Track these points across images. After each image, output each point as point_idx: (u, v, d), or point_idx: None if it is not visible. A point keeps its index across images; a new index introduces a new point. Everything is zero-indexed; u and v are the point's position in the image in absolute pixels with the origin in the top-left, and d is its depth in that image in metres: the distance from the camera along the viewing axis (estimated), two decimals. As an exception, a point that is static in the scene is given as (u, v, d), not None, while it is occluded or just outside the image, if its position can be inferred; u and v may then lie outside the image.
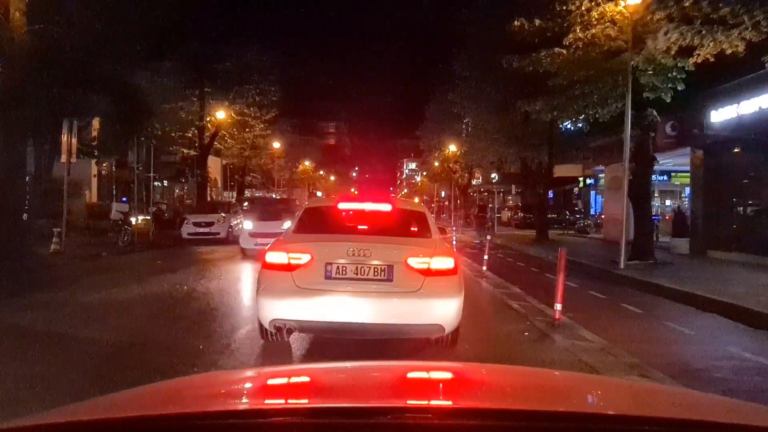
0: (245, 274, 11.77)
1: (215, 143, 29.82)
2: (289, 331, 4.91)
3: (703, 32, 10.72)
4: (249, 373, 2.28)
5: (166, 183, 33.60)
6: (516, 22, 13.77)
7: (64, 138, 14.42)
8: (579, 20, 12.48)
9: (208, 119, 27.61)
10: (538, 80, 14.73)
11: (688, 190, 20.97)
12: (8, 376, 4.51)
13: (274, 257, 4.95)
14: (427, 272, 4.82)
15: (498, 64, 16.65)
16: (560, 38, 13.02)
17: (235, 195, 37.80)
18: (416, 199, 51.99)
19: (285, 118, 37.46)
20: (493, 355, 5.57)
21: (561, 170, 29.18)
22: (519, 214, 38.67)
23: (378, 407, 1.31)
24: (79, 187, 21.68)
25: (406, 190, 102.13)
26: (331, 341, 5.73)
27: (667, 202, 25.63)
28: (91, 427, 1.27)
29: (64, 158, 14.49)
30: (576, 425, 1.26)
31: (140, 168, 23.06)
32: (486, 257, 12.41)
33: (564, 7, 12.46)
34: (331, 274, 4.80)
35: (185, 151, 30.34)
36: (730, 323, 7.71)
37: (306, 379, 1.95)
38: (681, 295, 9.51)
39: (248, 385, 1.79)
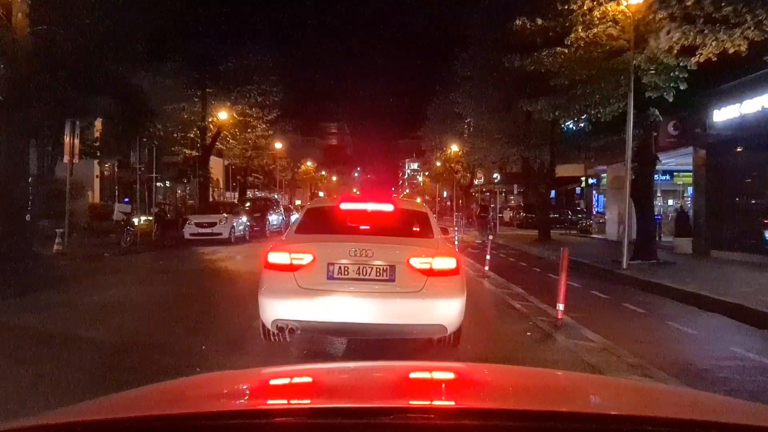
0: (247, 274, 11.77)
1: (217, 144, 29.86)
2: (292, 332, 4.90)
3: (706, 31, 10.69)
4: (251, 373, 2.28)
5: (168, 183, 33.64)
6: (518, 22, 13.76)
7: (67, 139, 14.45)
8: (581, 19, 12.47)
9: (210, 120, 27.65)
10: (540, 80, 14.71)
11: (690, 189, 20.90)
12: (11, 376, 4.52)
13: (276, 257, 4.94)
14: (430, 272, 4.82)
15: (500, 63, 16.67)
16: (562, 38, 13.00)
17: (237, 195, 37.85)
18: (418, 199, 51.98)
19: (287, 119, 37.49)
20: (496, 355, 5.57)
21: (563, 170, 29.12)
22: (521, 213, 38.63)
23: (380, 407, 1.31)
24: (81, 188, 21.71)
25: (408, 191, 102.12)
26: (334, 341, 5.73)
27: (670, 202, 25.55)
28: (94, 427, 1.27)
29: (66, 159, 14.53)
30: (579, 425, 1.26)
31: (142, 169, 23.10)
32: (488, 257, 12.39)
33: (566, 7, 12.44)
34: (333, 275, 4.80)
35: (187, 151, 30.37)
36: (734, 323, 7.69)
37: (308, 379, 1.95)
38: (684, 295, 9.48)
39: (251, 385, 1.79)
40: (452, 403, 1.60)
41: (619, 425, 1.28)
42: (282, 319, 4.82)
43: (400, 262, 4.81)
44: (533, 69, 14.18)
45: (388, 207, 5.66)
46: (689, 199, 21.46)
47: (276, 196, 41.18)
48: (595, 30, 12.52)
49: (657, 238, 16.23)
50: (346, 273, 4.80)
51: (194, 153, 30.50)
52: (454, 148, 37.97)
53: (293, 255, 4.87)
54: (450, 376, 1.94)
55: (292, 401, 1.64)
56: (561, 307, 6.71)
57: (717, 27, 10.51)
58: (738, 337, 7.00)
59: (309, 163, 60.07)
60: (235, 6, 26.71)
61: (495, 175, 36.75)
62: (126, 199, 25.34)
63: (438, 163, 48.13)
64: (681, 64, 11.98)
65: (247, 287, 9.08)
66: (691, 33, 10.88)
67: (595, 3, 12.27)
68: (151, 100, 18.68)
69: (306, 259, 4.83)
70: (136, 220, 19.96)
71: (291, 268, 4.83)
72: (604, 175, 26.22)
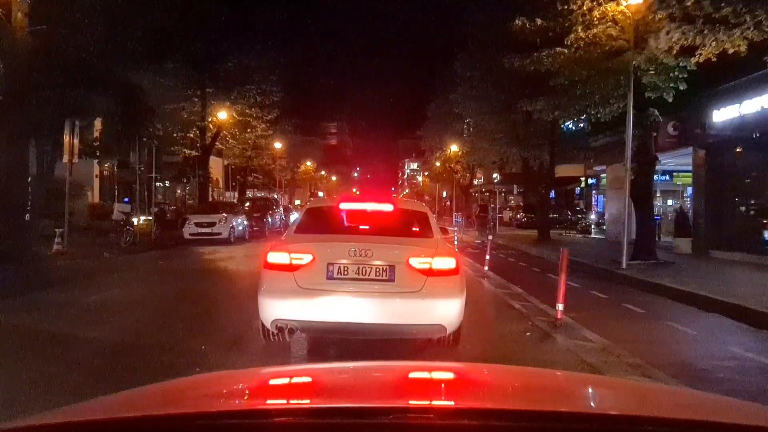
0: (247, 274, 11.77)
1: (217, 144, 29.84)
2: (291, 332, 4.91)
3: (705, 32, 10.70)
4: (250, 373, 2.28)
5: (168, 183, 33.65)
6: (517, 22, 13.77)
7: (66, 138, 14.44)
8: (580, 20, 12.47)
9: (209, 120, 27.63)
10: (540, 80, 14.72)
11: (690, 189, 20.92)
12: (10, 376, 4.52)
13: (276, 257, 4.94)
14: (429, 272, 4.82)
15: (499, 63, 16.68)
16: (562, 38, 13.01)
17: (236, 195, 37.85)
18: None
19: (286, 119, 37.45)
20: (495, 355, 5.57)
21: (563, 170, 29.15)
22: (521, 214, 38.63)
23: (380, 407, 1.31)
24: (81, 188, 21.71)
25: (407, 190, 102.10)
26: (333, 341, 5.74)
27: (669, 202, 25.57)
28: (94, 427, 1.27)
29: (66, 159, 14.52)
30: (578, 425, 1.26)
31: (142, 168, 23.11)
32: (488, 257, 12.39)
33: (565, 7, 12.45)
34: (332, 275, 4.80)
35: (187, 151, 30.35)
36: (733, 323, 7.69)
37: (308, 379, 1.95)
38: (683, 295, 9.49)
39: (250, 385, 1.79)
40: (452, 403, 1.60)
41: (619, 425, 1.28)
42: (281, 319, 4.82)
43: (399, 262, 4.81)
44: (533, 69, 14.18)
45: (387, 207, 5.66)
46: (689, 199, 21.48)
47: (276, 196, 41.18)
48: (595, 30, 12.52)
49: (656, 238, 16.24)
50: (345, 273, 4.80)
51: (194, 153, 30.48)
52: (454, 148, 37.95)
53: (293, 255, 4.87)
54: (449, 376, 1.94)
55: (291, 401, 1.64)
56: (560, 307, 6.71)
57: (716, 27, 10.51)
58: (737, 338, 7.00)
59: (309, 163, 60.05)
60: (235, 6, 26.60)
61: (495, 175, 36.75)
62: (126, 199, 25.33)
63: (438, 163, 48.10)
64: (680, 64, 11.99)
65: (246, 287, 9.09)
66: (691, 33, 10.89)
67: (594, 3, 12.27)
68: (150, 100, 18.67)
69: (305, 259, 4.83)
70: (135, 220, 19.96)
71: (291, 268, 4.83)
72: (604, 175, 26.25)
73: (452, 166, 42.36)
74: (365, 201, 5.99)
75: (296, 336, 5.29)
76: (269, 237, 20.65)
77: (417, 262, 4.83)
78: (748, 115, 14.31)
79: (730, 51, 10.72)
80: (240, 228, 21.43)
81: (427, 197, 66.65)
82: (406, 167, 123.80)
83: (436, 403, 1.53)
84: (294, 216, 25.60)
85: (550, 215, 27.45)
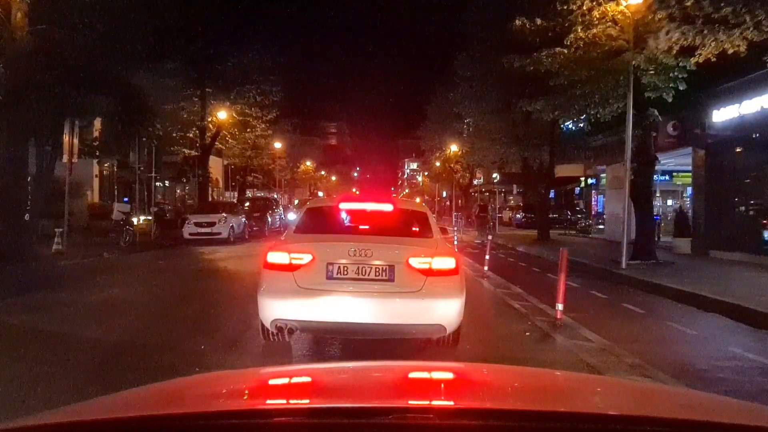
0: (246, 274, 11.77)
1: (217, 143, 29.85)
2: (291, 331, 4.91)
3: (705, 32, 10.71)
4: (250, 373, 2.28)
5: (167, 183, 33.67)
6: (517, 22, 13.77)
7: (66, 138, 14.44)
8: (580, 20, 12.47)
9: (209, 119, 27.65)
10: (540, 80, 14.72)
11: (689, 190, 20.93)
12: (10, 376, 4.52)
13: (275, 257, 4.94)
14: (429, 272, 4.82)
15: (499, 63, 16.68)
16: (561, 38, 13.01)
17: (236, 195, 37.86)
18: (417, 199, 52.00)
19: (286, 119, 37.49)
20: (495, 355, 5.57)
21: (562, 170, 29.17)
22: (520, 213, 38.61)
23: (379, 407, 1.31)
24: (80, 188, 21.70)
25: (407, 190, 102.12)
26: (333, 341, 5.74)
27: (669, 202, 25.58)
28: (93, 427, 1.27)
29: (65, 158, 14.52)
30: (578, 425, 1.26)
31: (142, 168, 23.13)
32: (487, 257, 12.39)
33: (565, 7, 12.45)
34: (332, 274, 4.80)
35: (187, 151, 30.37)
36: (733, 323, 7.69)
37: (307, 379, 1.95)
38: (683, 295, 9.49)
39: (249, 385, 1.79)
40: (451, 403, 1.60)
41: (619, 425, 1.28)
42: (281, 318, 4.82)
43: (399, 262, 4.81)
44: (533, 69, 14.18)
45: (387, 207, 5.66)
46: (688, 199, 21.49)
47: (275, 196, 41.18)
48: (595, 30, 12.52)
49: (656, 238, 16.24)
50: (345, 273, 4.80)
51: (193, 153, 30.51)
52: (454, 147, 37.97)
53: (292, 255, 4.86)
54: (449, 376, 1.94)
55: (291, 401, 1.64)
56: (560, 307, 6.71)
57: (716, 27, 10.52)
58: (737, 338, 7.01)
59: (308, 163, 60.08)
60: (235, 6, 26.63)
61: (494, 175, 36.77)
62: (125, 199, 25.36)
63: (437, 163, 48.13)
64: (680, 64, 12.01)
65: (246, 287, 9.08)
66: (690, 33, 10.90)
67: (594, 3, 12.27)
68: (150, 100, 18.65)
69: (305, 258, 4.83)
70: (135, 220, 19.96)
71: (290, 267, 4.83)
72: (604, 175, 26.24)
73: (452, 166, 42.38)
74: (365, 201, 6.00)
75: (296, 336, 5.29)
76: (269, 237, 20.66)
77: (417, 262, 4.83)
78: (747, 115, 14.32)
79: (730, 51, 10.73)
80: (239, 228, 21.44)
81: (426, 197, 66.65)
82: (406, 167, 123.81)
83: (436, 403, 1.53)
84: (291, 214, 25.69)
85: (550, 215, 27.45)
